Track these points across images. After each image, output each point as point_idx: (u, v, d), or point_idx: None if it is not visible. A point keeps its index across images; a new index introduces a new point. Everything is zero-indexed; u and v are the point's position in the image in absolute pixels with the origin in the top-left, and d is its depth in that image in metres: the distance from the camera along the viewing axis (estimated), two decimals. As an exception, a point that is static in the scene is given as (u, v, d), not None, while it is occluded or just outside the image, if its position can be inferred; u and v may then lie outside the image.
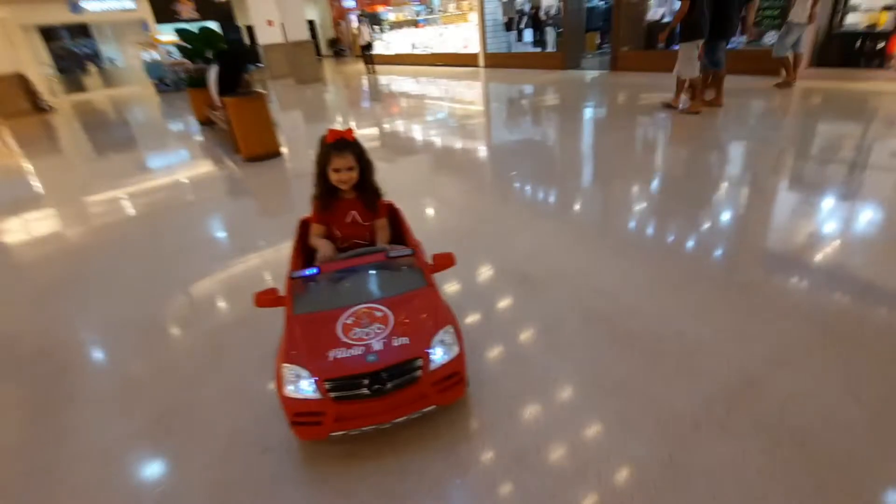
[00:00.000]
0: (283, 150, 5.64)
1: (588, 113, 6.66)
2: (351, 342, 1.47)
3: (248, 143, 5.27)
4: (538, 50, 12.20)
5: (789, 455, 1.39)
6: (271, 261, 2.95)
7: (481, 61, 13.57)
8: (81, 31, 19.98)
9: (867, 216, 2.87)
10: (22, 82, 13.42)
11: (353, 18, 21.43)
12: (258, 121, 5.24)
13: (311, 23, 25.20)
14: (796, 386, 1.63)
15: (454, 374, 1.51)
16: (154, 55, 16.64)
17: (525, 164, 4.52)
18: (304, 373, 1.42)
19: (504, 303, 2.31)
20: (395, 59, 17.53)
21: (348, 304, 1.60)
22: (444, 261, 1.80)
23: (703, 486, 1.32)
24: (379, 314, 1.56)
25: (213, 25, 18.44)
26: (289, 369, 1.44)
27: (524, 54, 12.39)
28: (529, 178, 4.12)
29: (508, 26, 13.13)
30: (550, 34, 11.89)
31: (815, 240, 2.62)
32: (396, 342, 1.46)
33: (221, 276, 2.86)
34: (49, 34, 19.09)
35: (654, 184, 3.75)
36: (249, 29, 18.86)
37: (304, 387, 1.41)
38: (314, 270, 1.72)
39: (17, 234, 4.01)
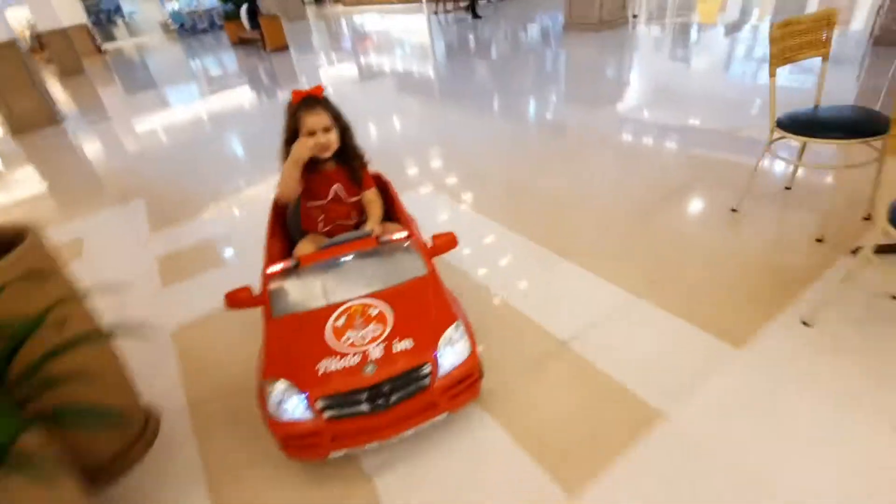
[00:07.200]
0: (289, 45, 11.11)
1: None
2: (344, 350, 1.28)
3: (271, 42, 10.73)
4: None
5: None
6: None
7: (421, -3, 18.35)
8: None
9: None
10: (86, 31, 18.36)
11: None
12: (276, 30, 10.68)
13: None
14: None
15: (468, 377, 1.34)
16: (175, 6, 21.47)
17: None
18: (292, 390, 1.25)
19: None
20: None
21: (337, 302, 1.42)
22: (446, 242, 1.61)
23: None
24: (375, 312, 1.36)
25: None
26: (272, 385, 1.27)
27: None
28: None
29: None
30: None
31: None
32: (398, 346, 1.28)
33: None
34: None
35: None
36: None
37: (293, 406, 1.24)
38: (293, 263, 1.50)
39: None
